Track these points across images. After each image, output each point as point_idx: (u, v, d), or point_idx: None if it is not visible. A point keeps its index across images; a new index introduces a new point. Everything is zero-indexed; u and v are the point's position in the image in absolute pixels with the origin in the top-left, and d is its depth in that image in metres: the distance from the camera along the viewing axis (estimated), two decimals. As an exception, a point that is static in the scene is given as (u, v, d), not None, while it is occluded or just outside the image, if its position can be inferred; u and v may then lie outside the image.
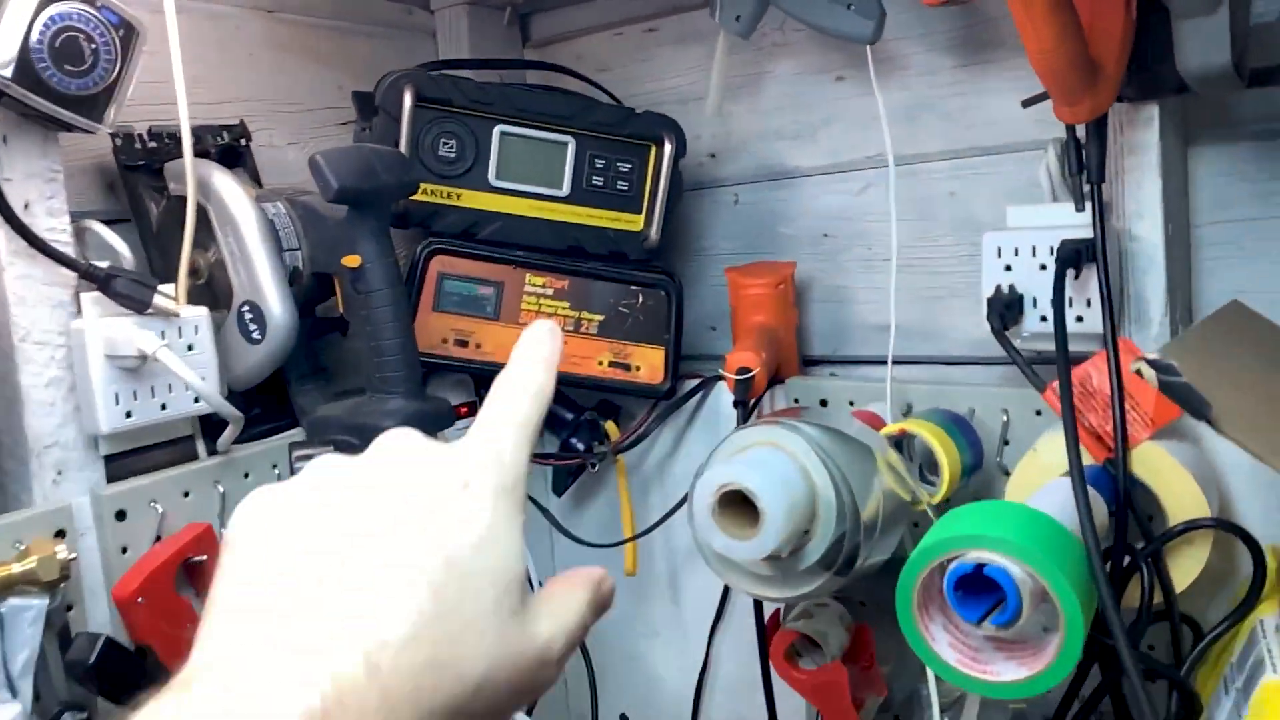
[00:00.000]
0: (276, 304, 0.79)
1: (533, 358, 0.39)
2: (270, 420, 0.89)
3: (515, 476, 0.36)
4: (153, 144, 0.85)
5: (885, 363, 1.01)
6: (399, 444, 0.36)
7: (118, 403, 0.74)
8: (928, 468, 0.80)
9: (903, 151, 0.93)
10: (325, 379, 0.92)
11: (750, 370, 0.84)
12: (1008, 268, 0.80)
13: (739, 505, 0.66)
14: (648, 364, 0.97)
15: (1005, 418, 0.83)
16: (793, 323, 0.99)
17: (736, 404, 0.85)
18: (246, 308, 0.80)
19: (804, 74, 1.03)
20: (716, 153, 1.09)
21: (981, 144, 0.94)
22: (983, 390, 0.87)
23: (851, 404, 0.91)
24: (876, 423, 0.82)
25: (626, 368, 0.96)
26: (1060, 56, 0.65)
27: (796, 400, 0.95)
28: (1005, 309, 0.78)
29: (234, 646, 0.30)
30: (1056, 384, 0.70)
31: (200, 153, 0.86)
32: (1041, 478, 0.71)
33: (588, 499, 1.13)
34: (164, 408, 0.76)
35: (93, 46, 0.69)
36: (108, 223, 0.85)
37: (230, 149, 0.89)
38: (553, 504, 1.11)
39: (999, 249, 0.81)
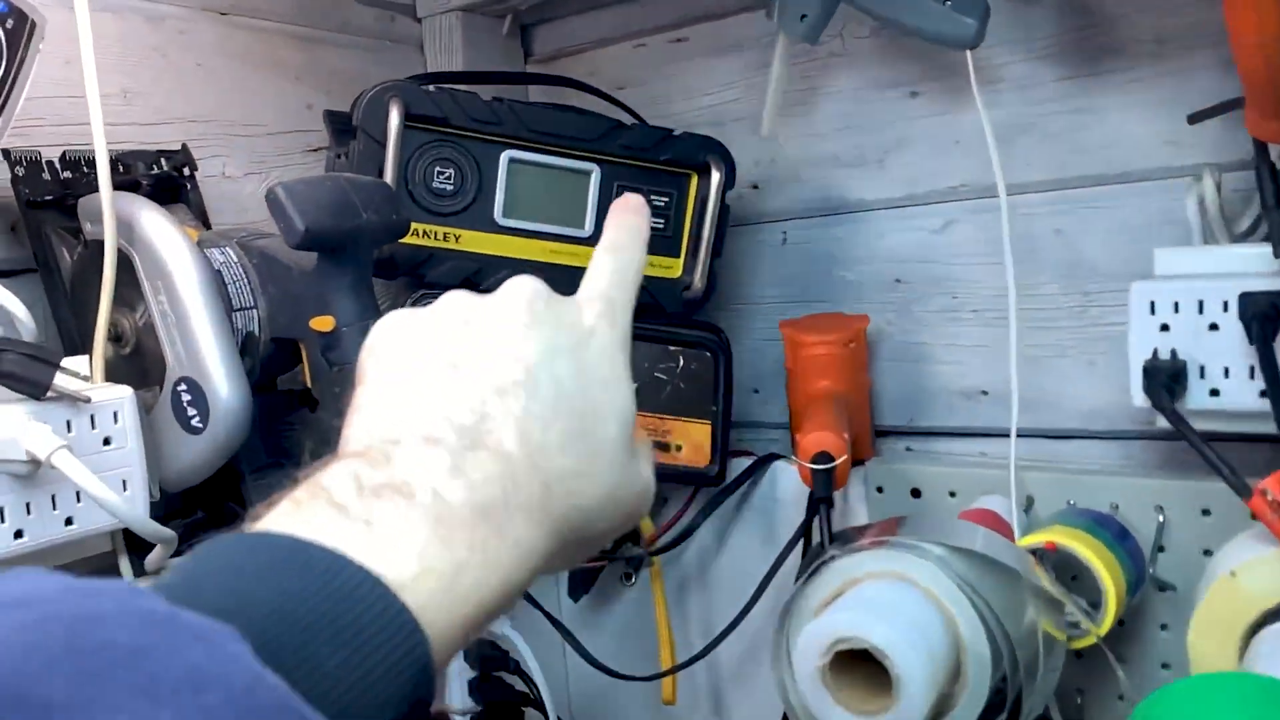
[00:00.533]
0: (222, 382, 0.60)
1: (631, 230, 0.42)
2: (218, 525, 0.69)
3: (625, 331, 0.39)
4: (66, 174, 0.66)
5: (974, 435, 0.84)
6: (531, 291, 0.38)
7: (2, 519, 0.54)
8: (1074, 585, 0.62)
9: (994, 182, 0.75)
10: (289, 469, 0.72)
11: (833, 458, 0.66)
12: (1164, 327, 0.63)
13: (859, 663, 0.48)
14: (690, 442, 0.79)
15: (1161, 517, 0.65)
16: (866, 389, 0.81)
17: (817, 502, 0.67)
18: (184, 386, 0.61)
19: (869, 89, 0.86)
20: (760, 183, 0.92)
21: (1095, 172, 0.77)
22: (1125, 481, 0.69)
23: (953, 495, 0.73)
24: (999, 526, 0.64)
25: (665, 448, 0.78)
26: (1284, 51, 0.48)
27: (880, 489, 0.77)
28: (1171, 380, 0.60)
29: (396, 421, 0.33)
30: (1269, 484, 0.52)
31: (127, 184, 0.68)
32: (1248, 612, 0.53)
33: (609, 603, 0.94)
34: (69, 522, 0.57)
35: (-35, 41, 0.51)
36: (5, 275, 0.66)
37: (167, 180, 0.70)
38: (565, 609, 0.91)
39: (1152, 304, 0.63)
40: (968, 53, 0.71)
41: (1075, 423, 0.79)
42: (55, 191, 0.65)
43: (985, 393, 0.83)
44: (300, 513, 0.29)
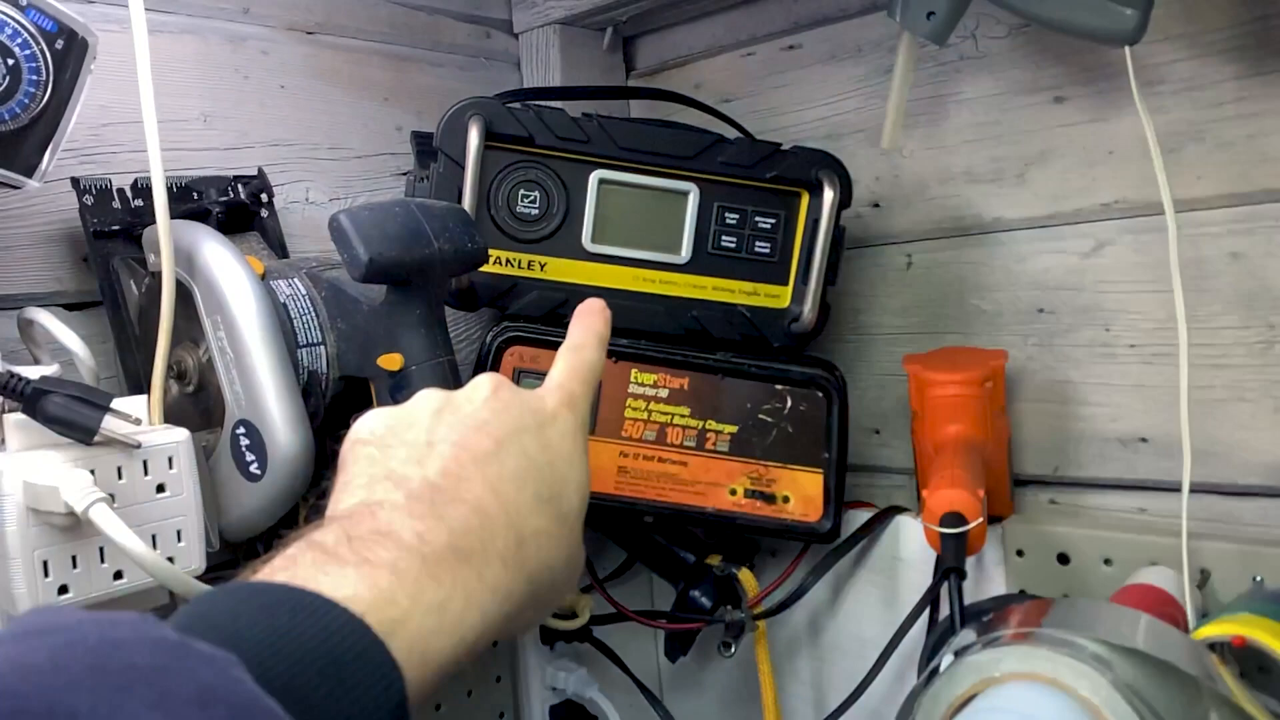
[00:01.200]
0: (282, 426, 0.55)
1: (588, 332, 0.47)
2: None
3: (584, 420, 0.44)
4: (137, 202, 0.63)
5: (1131, 489, 0.73)
6: (495, 382, 0.42)
7: (47, 574, 0.51)
8: (1263, 680, 0.51)
9: (1155, 198, 0.64)
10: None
11: (965, 521, 0.57)
12: (1381, 371, 0.51)
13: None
14: (799, 493, 0.70)
15: (1374, 603, 0.53)
16: (1005, 436, 0.71)
17: (946, 572, 0.57)
18: (242, 430, 0.56)
19: (1006, 94, 0.76)
20: (882, 201, 0.83)
21: (1282, 185, 0.65)
22: (1328, 555, 0.57)
23: (1109, 564, 0.62)
24: (1169, 608, 0.54)
25: (770, 499, 0.70)
26: None
27: (1020, 553, 0.67)
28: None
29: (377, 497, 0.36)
30: None
31: (197, 212, 0.64)
32: None
33: (711, 666, 0.86)
34: (119, 576, 0.53)
35: (9, 62, 0.47)
36: (73, 308, 0.64)
37: (239, 207, 0.66)
38: (664, 671, 0.84)
39: (1364, 342, 0.52)
40: (1126, 50, 0.61)
41: (1256, 478, 0.67)
42: (124, 221, 0.62)
43: (1145, 440, 0.72)
44: (296, 566, 0.31)
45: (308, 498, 0.59)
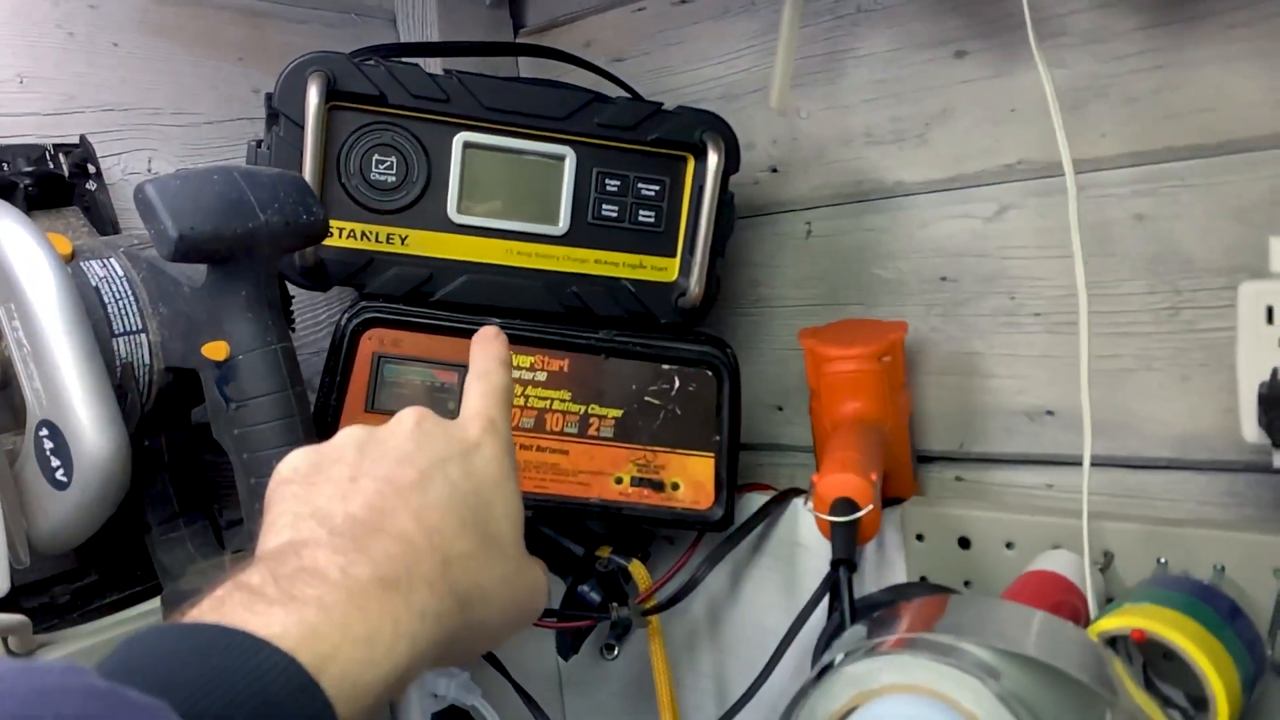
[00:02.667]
0: (89, 427, 0.49)
1: (492, 358, 0.47)
2: (116, 588, 0.59)
3: (508, 444, 0.44)
4: (-71, 174, 0.56)
5: (1039, 463, 0.70)
6: (418, 415, 0.42)
7: None
8: (1169, 668, 0.48)
9: (1059, 158, 0.60)
10: (208, 516, 0.61)
11: (857, 508, 0.53)
12: (1286, 339, 0.48)
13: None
14: (689, 480, 0.66)
15: (1281, 584, 0.50)
16: (906, 412, 0.67)
17: (836, 564, 0.53)
18: (45, 432, 0.50)
19: (906, 49, 0.71)
20: (780, 165, 0.78)
21: (1189, 142, 0.62)
22: (1233, 536, 0.54)
23: (1010, 547, 0.59)
24: (1070, 598, 0.50)
25: (658, 486, 0.65)
26: None
27: (920, 537, 0.63)
28: (1297, 412, 0.46)
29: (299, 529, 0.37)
30: None
31: (2, 186, 0.57)
32: None
33: (611, 661, 0.81)
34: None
35: None
36: None
37: (53, 179, 0.59)
38: (563, 670, 0.79)
39: (1269, 309, 0.48)
40: (1023, 1, 0.56)
41: (1165, 451, 0.64)
42: (-88, 196, 0.55)
43: (1051, 413, 0.68)
44: (224, 606, 0.31)
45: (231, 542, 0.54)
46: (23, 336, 0.49)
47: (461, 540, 0.38)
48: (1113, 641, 0.47)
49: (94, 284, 0.53)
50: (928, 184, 0.72)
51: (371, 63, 0.60)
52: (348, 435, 0.41)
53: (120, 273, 0.54)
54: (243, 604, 0.31)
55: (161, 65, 0.71)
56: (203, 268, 0.51)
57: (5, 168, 0.58)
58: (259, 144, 0.61)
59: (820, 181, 0.77)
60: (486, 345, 0.48)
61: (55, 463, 0.50)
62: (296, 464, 0.40)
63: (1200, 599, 0.48)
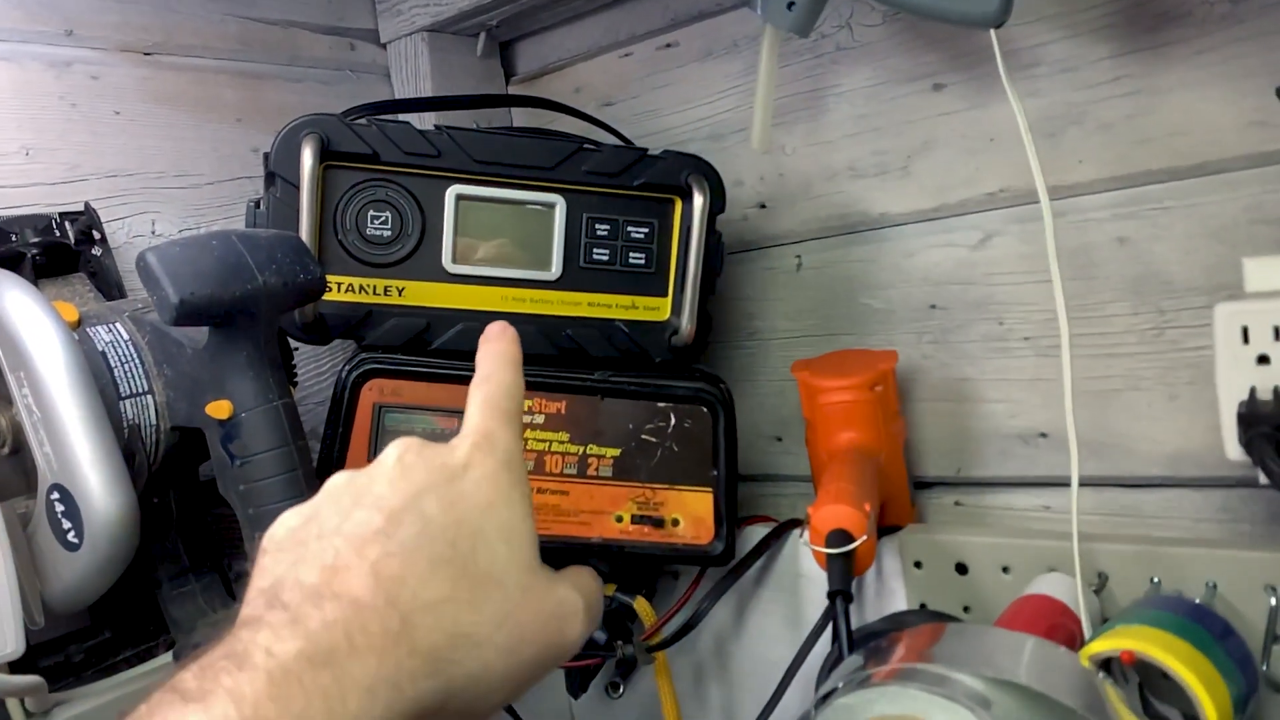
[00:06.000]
0: (99, 490, 0.50)
1: (497, 357, 0.43)
2: (130, 644, 0.60)
3: (508, 455, 0.39)
4: (-59, 248, 0.58)
5: (1034, 485, 0.70)
6: (401, 448, 0.39)
7: None
8: (1163, 686, 0.49)
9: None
10: (217, 569, 0.62)
11: (852, 539, 0.54)
12: (1263, 358, 0.49)
13: None
14: (688, 515, 0.67)
15: (1273, 599, 0.51)
16: (900, 440, 0.68)
17: (833, 596, 0.54)
18: (56, 495, 0.51)
19: (885, 84, 0.73)
20: (768, 201, 0.80)
21: (1164, 165, 0.63)
22: (1224, 554, 0.55)
23: (1006, 571, 0.59)
24: (1064, 621, 0.51)
25: (659, 523, 0.66)
26: None
27: (918, 564, 0.64)
28: (1277, 428, 0.47)
29: (265, 587, 0.35)
30: None
31: (8, 257, 0.59)
32: None
33: (621, 696, 0.82)
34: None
35: None
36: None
37: (59, 248, 0.61)
38: (573, 705, 0.80)
39: (1244, 329, 0.50)
40: (992, 33, 0.58)
41: (1156, 469, 0.65)
42: (-76, 270, 0.56)
43: (1044, 435, 0.69)
44: (153, 713, 0.30)
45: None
46: (33, 403, 0.51)
47: (432, 585, 0.34)
48: (1108, 663, 0.48)
49: (100, 349, 0.54)
50: (912, 214, 0.73)
51: (364, 122, 0.62)
52: (328, 487, 0.39)
53: (125, 337, 0.56)
54: (167, 704, 0.30)
55: (162, 130, 0.73)
56: (205, 329, 0.52)
57: (13, 238, 0.60)
58: (257, 204, 0.63)
59: (808, 215, 0.78)
60: (491, 345, 0.43)
61: (67, 525, 0.51)
62: (274, 532, 0.37)
63: (1191, 618, 0.48)
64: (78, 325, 0.54)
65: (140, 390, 0.55)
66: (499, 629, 0.35)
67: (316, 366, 0.76)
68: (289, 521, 0.38)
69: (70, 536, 0.51)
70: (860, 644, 0.54)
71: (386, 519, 0.35)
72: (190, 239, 0.51)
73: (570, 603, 0.38)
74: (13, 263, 0.58)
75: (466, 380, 0.63)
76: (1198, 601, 0.50)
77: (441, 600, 0.34)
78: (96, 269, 0.64)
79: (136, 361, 0.55)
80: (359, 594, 0.33)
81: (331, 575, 0.33)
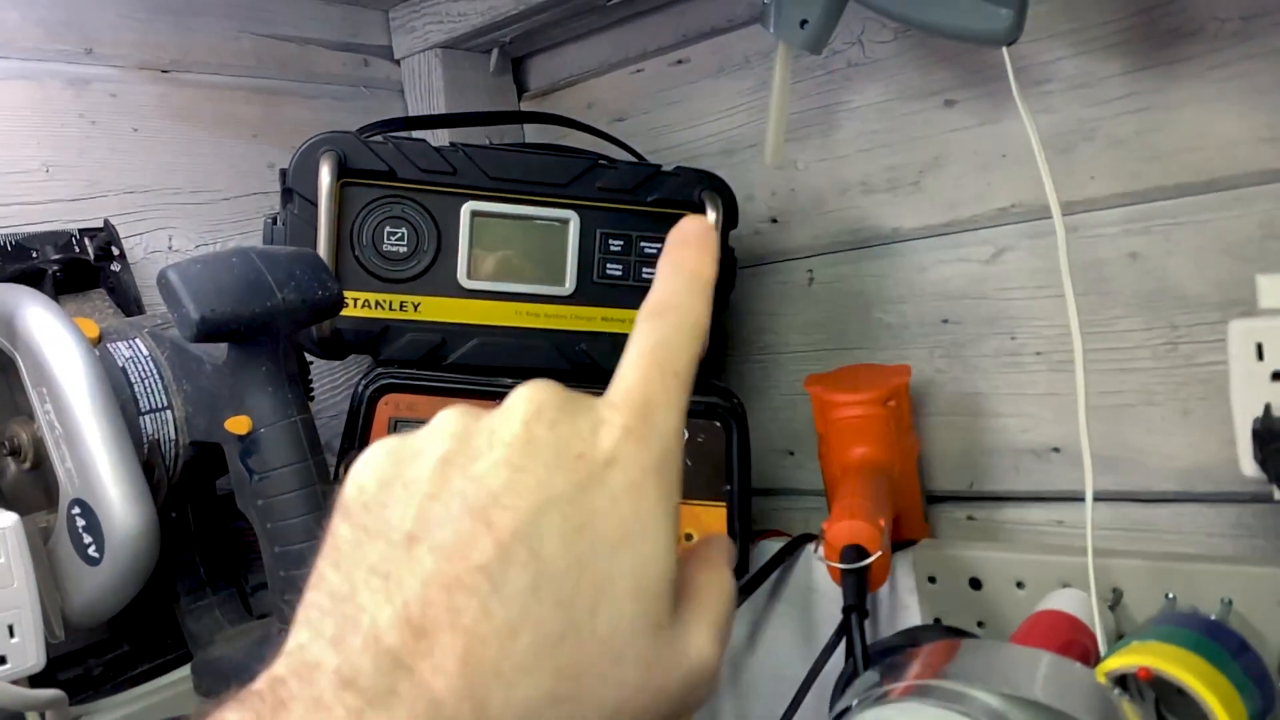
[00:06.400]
0: (119, 505, 0.51)
1: (689, 279, 0.29)
2: (147, 658, 0.60)
3: (667, 447, 0.27)
4: (-37, 265, 0.58)
5: (1048, 500, 0.70)
6: (531, 406, 0.27)
7: None
8: (1178, 702, 0.49)
9: (1048, 200, 0.62)
10: (235, 583, 0.63)
11: (867, 554, 0.54)
12: (1277, 375, 0.49)
13: None
14: (702, 530, 0.67)
15: (1290, 616, 0.51)
16: (913, 454, 0.69)
17: (848, 611, 0.54)
18: (77, 510, 0.52)
19: (897, 100, 0.74)
20: (780, 216, 0.80)
21: (1176, 181, 0.63)
22: (1239, 570, 0.55)
23: (1021, 586, 0.60)
24: (1078, 636, 0.51)
25: (672, 537, 0.66)
26: None
27: (932, 579, 0.64)
28: (1291, 447, 0.47)
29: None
30: None
31: (29, 273, 0.59)
32: None
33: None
34: (-62, 684, 0.48)
35: None
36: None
37: (79, 264, 0.61)
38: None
39: (1259, 346, 0.50)
40: (1004, 50, 0.58)
41: (1170, 484, 0.65)
42: (-53, 287, 0.57)
43: (1058, 449, 0.69)
44: None
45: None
46: (55, 419, 0.51)
47: (532, 679, 0.24)
48: (1124, 679, 0.48)
49: (121, 364, 0.55)
50: (924, 229, 0.73)
51: (380, 139, 0.63)
52: (442, 428, 0.28)
53: (145, 353, 0.56)
54: None
55: (180, 146, 0.74)
56: (224, 346, 0.53)
57: (35, 255, 0.61)
58: (274, 220, 0.63)
59: (820, 230, 0.78)
60: (675, 252, 0.30)
61: (87, 539, 0.52)
62: (364, 475, 0.27)
63: (1207, 635, 0.48)
64: (99, 341, 0.55)
65: (160, 405, 0.55)
66: (612, 711, 0.25)
67: (331, 380, 0.77)
68: (383, 459, 0.27)
69: (91, 550, 0.51)
70: (875, 659, 0.54)
71: (497, 548, 0.25)
72: (211, 256, 0.52)
73: (706, 665, 0.27)
74: (34, 279, 0.59)
75: (480, 395, 0.64)
76: (1213, 618, 0.50)
77: (541, 702, 0.24)
78: (115, 284, 0.64)
79: (156, 377, 0.55)
80: (437, 690, 0.23)
81: (417, 639, 0.24)
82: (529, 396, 0.28)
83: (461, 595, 0.24)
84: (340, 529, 0.27)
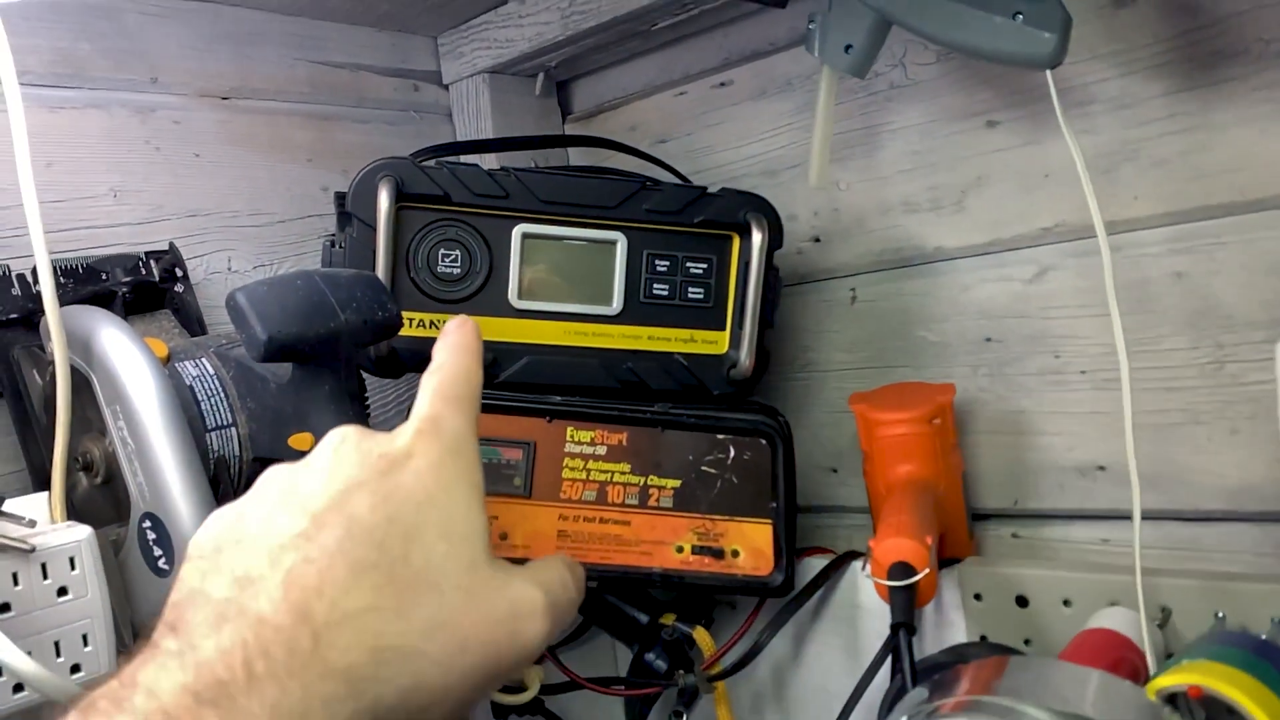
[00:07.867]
0: (188, 519, 0.52)
1: (452, 348, 0.40)
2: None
3: (456, 440, 0.36)
4: (38, 288, 0.61)
5: (1093, 518, 0.71)
6: (338, 437, 0.36)
7: (-62, 694, 0.47)
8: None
9: (1091, 219, 0.62)
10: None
11: (914, 571, 0.55)
12: (1327, 395, 0.49)
13: None
14: (748, 546, 0.68)
15: (1342, 636, 0.51)
16: (958, 472, 0.69)
17: (896, 628, 0.55)
18: (148, 523, 0.53)
19: (939, 121, 0.74)
20: (822, 235, 0.81)
21: (1222, 200, 0.64)
22: (1288, 587, 0.55)
23: (1068, 605, 0.60)
24: (1128, 655, 0.51)
25: (718, 554, 0.67)
26: None
27: (978, 596, 0.64)
28: (1342, 467, 0.47)
29: (184, 602, 0.32)
30: None
31: (101, 295, 0.62)
32: None
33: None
34: (18, 689, 0.50)
35: None
36: (-26, 402, 0.61)
37: (148, 286, 0.64)
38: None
39: (1309, 365, 0.50)
40: (1048, 73, 0.59)
41: (1217, 503, 0.65)
42: (23, 308, 0.60)
43: (1103, 468, 0.70)
44: None
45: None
46: (127, 435, 0.53)
47: (352, 594, 0.31)
48: (1173, 698, 0.48)
49: (188, 383, 0.57)
50: (967, 249, 0.74)
51: (434, 164, 0.65)
52: (259, 483, 0.35)
53: (211, 371, 0.58)
54: None
55: (239, 171, 0.77)
56: (288, 365, 0.55)
57: (105, 277, 0.63)
58: (333, 243, 0.65)
59: (862, 249, 0.79)
60: (448, 337, 0.40)
61: (158, 552, 0.53)
62: (201, 535, 0.34)
63: (1258, 654, 0.49)
64: (167, 361, 0.57)
65: (225, 423, 0.57)
66: (431, 638, 0.31)
67: (381, 397, 0.79)
68: (213, 525, 0.34)
69: (160, 563, 0.53)
70: (923, 676, 0.55)
71: (310, 521, 0.32)
72: (276, 279, 0.54)
73: (526, 601, 0.34)
74: (105, 300, 0.61)
75: (530, 413, 0.66)
76: (1264, 637, 0.50)
77: (362, 610, 0.30)
78: (180, 305, 0.66)
79: (222, 395, 0.57)
80: (264, 611, 0.30)
81: (239, 589, 0.30)
82: (335, 433, 0.36)
83: (285, 553, 0.31)
84: (183, 570, 0.33)
